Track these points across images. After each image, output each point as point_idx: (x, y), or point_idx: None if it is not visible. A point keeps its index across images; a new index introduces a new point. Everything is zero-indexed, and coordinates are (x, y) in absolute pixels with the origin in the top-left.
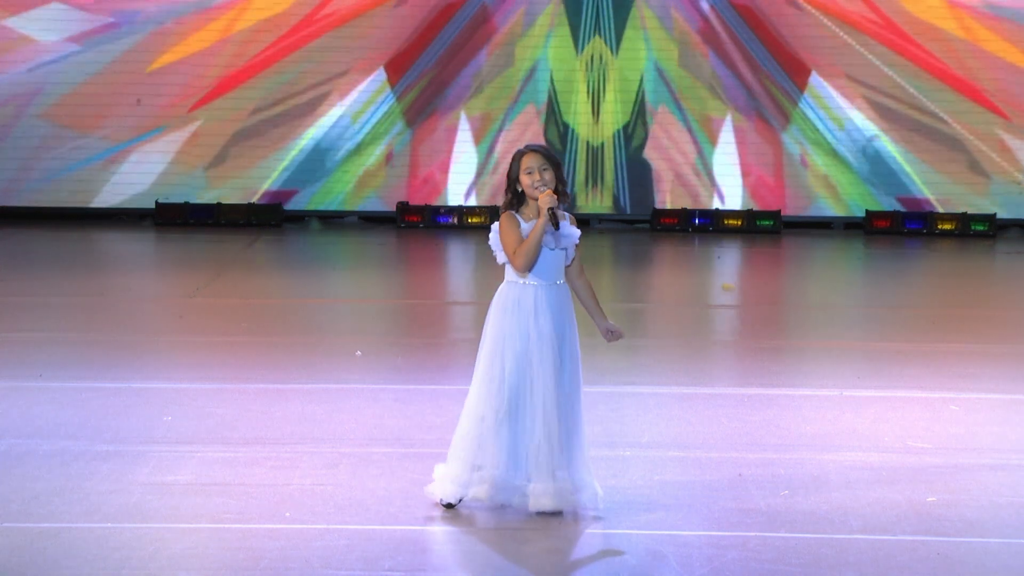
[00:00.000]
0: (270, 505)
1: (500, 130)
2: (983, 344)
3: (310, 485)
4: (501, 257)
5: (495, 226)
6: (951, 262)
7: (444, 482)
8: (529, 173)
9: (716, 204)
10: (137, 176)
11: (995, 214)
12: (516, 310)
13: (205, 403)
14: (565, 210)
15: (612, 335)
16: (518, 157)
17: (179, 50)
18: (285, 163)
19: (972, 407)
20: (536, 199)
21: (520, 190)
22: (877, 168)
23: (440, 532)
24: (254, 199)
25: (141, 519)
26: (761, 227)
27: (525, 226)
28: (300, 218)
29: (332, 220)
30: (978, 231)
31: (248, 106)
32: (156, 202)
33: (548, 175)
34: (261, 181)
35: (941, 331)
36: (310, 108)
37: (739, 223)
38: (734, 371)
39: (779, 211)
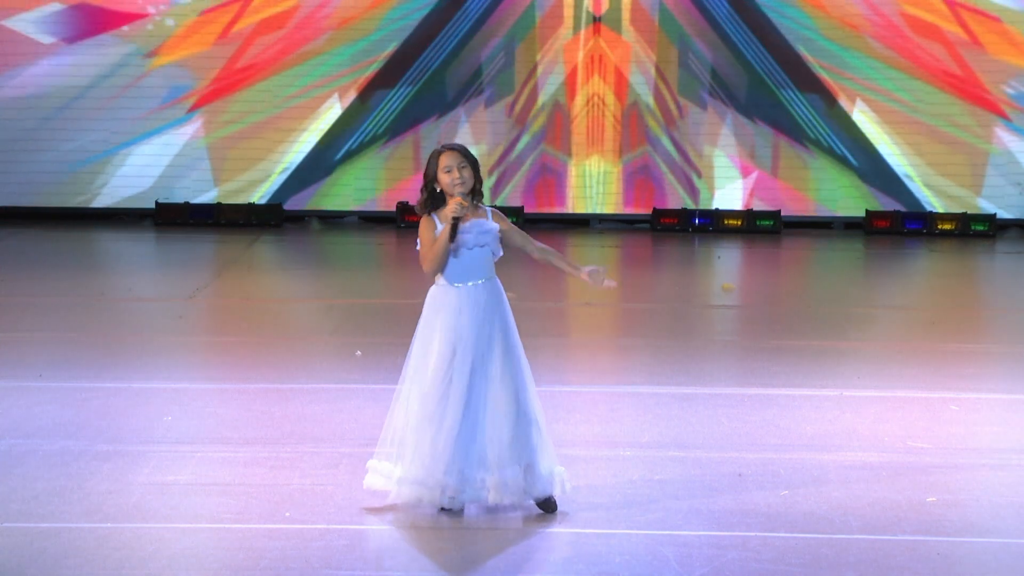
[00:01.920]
0: (270, 505)
1: (500, 130)
2: (983, 344)
3: (310, 485)
4: None
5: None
6: (951, 262)
7: (382, 478)
8: (448, 171)
9: (716, 204)
10: (137, 176)
11: (995, 214)
12: (441, 311)
13: (205, 403)
14: (484, 205)
15: (597, 276)
16: (435, 156)
17: (179, 50)
18: (285, 163)
19: (972, 407)
20: (448, 202)
21: (439, 190)
22: (877, 168)
23: (439, 533)
24: (254, 199)
25: (141, 519)
26: (761, 227)
27: (440, 228)
28: (300, 218)
29: (332, 220)
30: (978, 231)
31: (248, 106)
32: (156, 202)
33: (466, 172)
34: (261, 181)
35: (941, 331)
36: (310, 108)
37: (739, 223)
38: (734, 371)
39: (779, 211)
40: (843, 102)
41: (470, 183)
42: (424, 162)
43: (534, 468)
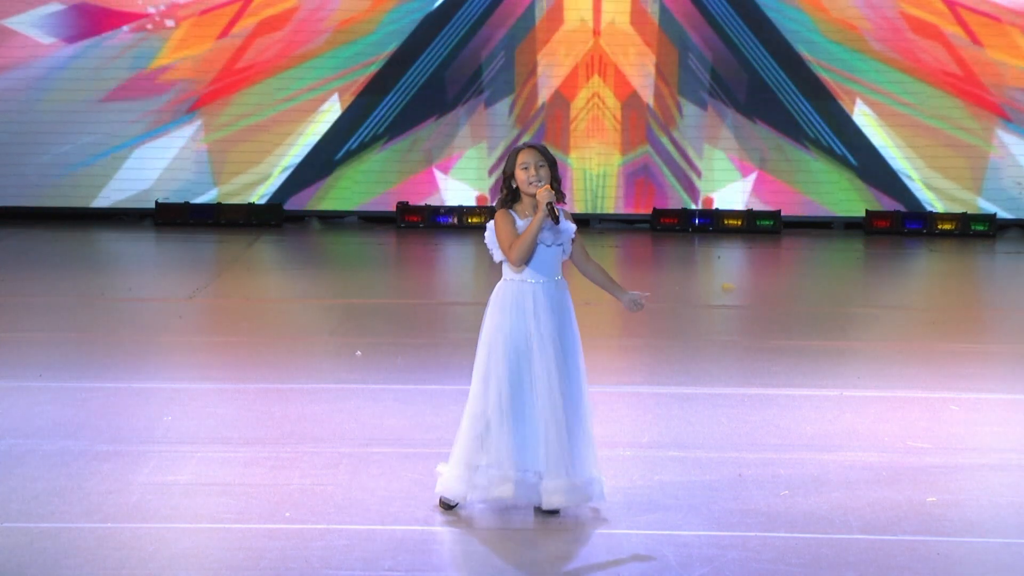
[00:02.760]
0: (270, 505)
1: (500, 130)
2: (983, 344)
3: (310, 485)
4: (498, 255)
5: (490, 224)
6: (951, 262)
7: (448, 481)
8: (525, 169)
9: (717, 204)
10: (137, 176)
11: (995, 214)
12: (514, 308)
13: (205, 403)
14: (563, 207)
15: (635, 305)
16: (514, 154)
17: (179, 50)
18: (285, 163)
19: (972, 407)
20: (532, 195)
21: (515, 187)
22: (877, 168)
23: (440, 532)
24: (254, 199)
25: (141, 519)
26: (761, 227)
27: (521, 223)
28: (300, 218)
29: (332, 220)
30: (978, 231)
31: (249, 106)
32: (156, 202)
33: (544, 171)
34: (261, 181)
35: (941, 331)
36: (310, 108)
37: (739, 223)
38: (734, 371)
39: (779, 211)
40: (843, 102)
41: (547, 180)
42: (424, 162)
43: (586, 473)
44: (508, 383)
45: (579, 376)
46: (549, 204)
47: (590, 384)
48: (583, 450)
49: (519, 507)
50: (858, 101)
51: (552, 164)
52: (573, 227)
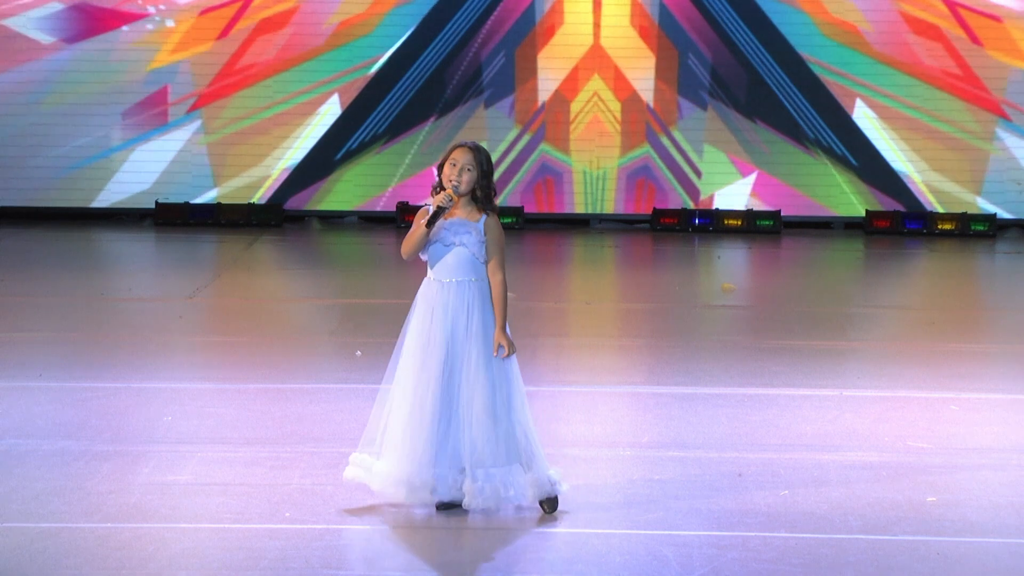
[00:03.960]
0: (270, 505)
1: (500, 130)
2: (983, 344)
3: (310, 485)
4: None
5: None
6: (951, 262)
7: (366, 472)
8: (453, 165)
9: (716, 204)
10: (137, 176)
11: (995, 214)
12: (419, 305)
13: (205, 403)
14: (486, 211)
15: (499, 349)
16: (452, 147)
17: (179, 50)
18: (285, 163)
19: (972, 407)
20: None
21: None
22: (877, 168)
23: (440, 533)
24: (254, 199)
25: (141, 519)
26: (761, 227)
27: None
28: (300, 218)
29: (332, 220)
30: (978, 231)
31: (248, 106)
32: (156, 202)
33: (467, 176)
34: (261, 181)
35: (941, 331)
36: (310, 108)
37: (739, 223)
38: (734, 371)
39: (779, 211)
40: (843, 102)
41: (464, 188)
42: (424, 162)
43: (530, 470)
44: (413, 381)
45: (499, 378)
46: (438, 208)
47: (589, 385)
48: (498, 447)
49: (421, 506)
50: (858, 101)
51: (484, 172)
52: (480, 230)
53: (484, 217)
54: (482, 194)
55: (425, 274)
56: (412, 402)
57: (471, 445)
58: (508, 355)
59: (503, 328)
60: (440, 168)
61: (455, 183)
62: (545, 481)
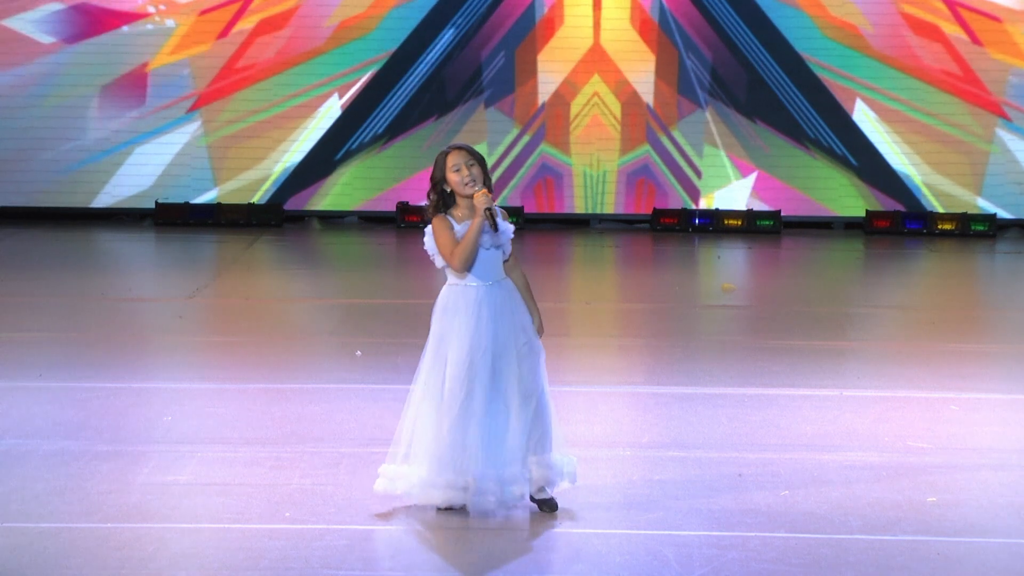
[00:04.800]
0: (270, 505)
1: (500, 130)
2: (983, 344)
3: (310, 485)
4: (439, 261)
5: (428, 230)
6: (951, 262)
7: (398, 480)
8: (457, 171)
9: (716, 204)
10: (137, 176)
11: (995, 214)
12: (457, 311)
13: (205, 403)
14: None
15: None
16: (442, 156)
17: (179, 50)
18: (285, 163)
19: (972, 407)
20: (468, 196)
21: (448, 190)
22: (877, 168)
23: (439, 533)
24: (254, 199)
25: (141, 519)
26: (761, 227)
27: (459, 228)
28: (300, 218)
29: (332, 220)
30: (978, 231)
31: (248, 106)
32: (156, 202)
33: (476, 170)
34: (261, 181)
35: (941, 331)
36: (310, 108)
37: (739, 223)
38: (734, 371)
39: (779, 211)
40: (843, 102)
41: (480, 180)
42: (424, 162)
43: (549, 459)
44: (461, 387)
45: (535, 374)
46: (488, 210)
47: (591, 384)
48: (543, 445)
49: (468, 508)
50: (858, 101)
51: (482, 163)
52: (511, 228)
53: (498, 211)
54: (490, 183)
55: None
56: (460, 406)
57: (534, 438)
58: (541, 334)
59: (539, 315)
60: (438, 183)
61: (471, 182)
62: (554, 470)
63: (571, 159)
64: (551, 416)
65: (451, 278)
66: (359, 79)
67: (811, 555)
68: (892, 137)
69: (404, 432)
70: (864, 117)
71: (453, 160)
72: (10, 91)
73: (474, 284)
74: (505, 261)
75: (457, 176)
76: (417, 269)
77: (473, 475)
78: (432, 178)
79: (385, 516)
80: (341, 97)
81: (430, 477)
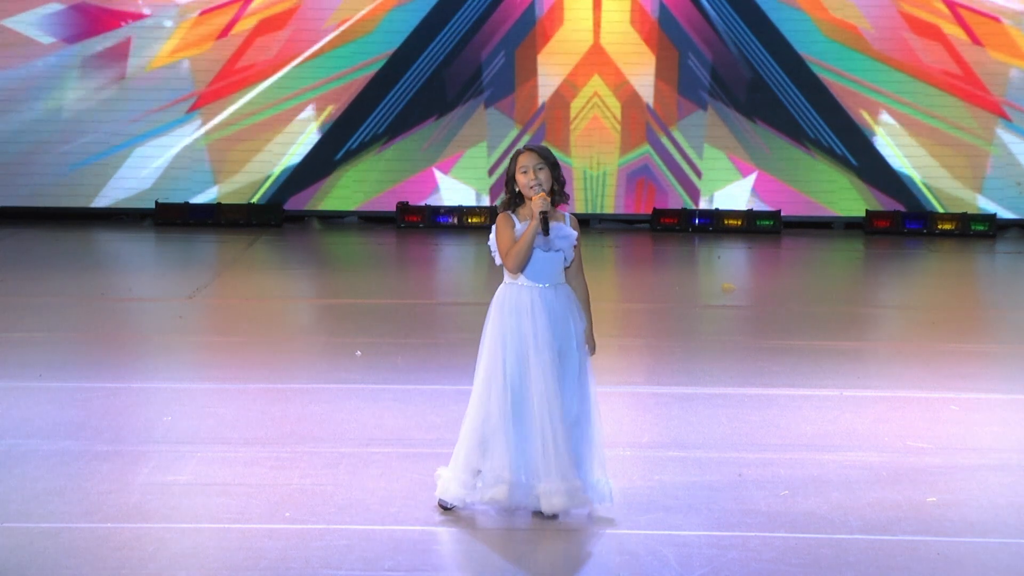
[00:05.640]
0: (270, 505)
1: (501, 129)
2: (983, 344)
3: (310, 485)
4: (498, 259)
5: (494, 227)
6: (951, 262)
7: (448, 484)
8: (524, 172)
9: (716, 204)
10: (137, 176)
11: (995, 214)
12: (512, 312)
13: (205, 403)
14: (564, 210)
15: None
16: (515, 156)
17: (179, 50)
18: (285, 163)
19: (972, 407)
20: (531, 199)
21: (517, 190)
22: (877, 168)
23: (440, 533)
24: (254, 199)
25: (141, 519)
26: (761, 227)
27: (519, 227)
28: (300, 218)
29: (332, 220)
30: (978, 231)
31: (248, 106)
32: (156, 202)
33: (543, 174)
34: (261, 181)
35: (941, 331)
36: (311, 107)
37: (739, 223)
38: (734, 371)
39: (779, 211)
40: (843, 102)
41: (547, 184)
42: (424, 162)
43: (586, 477)
44: (506, 387)
45: (584, 381)
46: (543, 214)
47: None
48: (585, 455)
49: (519, 510)
50: (858, 101)
51: (553, 166)
52: (574, 233)
53: (568, 218)
54: (558, 187)
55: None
56: (512, 407)
57: (554, 449)
58: (593, 353)
59: (591, 328)
60: (509, 181)
61: (536, 185)
62: (608, 485)
63: (571, 159)
64: (596, 433)
65: (507, 277)
66: (360, 79)
67: (811, 555)
68: (892, 136)
69: (472, 432)
70: (864, 116)
71: (523, 161)
72: (10, 91)
73: (527, 285)
74: (567, 268)
75: (524, 178)
76: (417, 269)
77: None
78: (506, 174)
79: (376, 514)
80: (341, 97)
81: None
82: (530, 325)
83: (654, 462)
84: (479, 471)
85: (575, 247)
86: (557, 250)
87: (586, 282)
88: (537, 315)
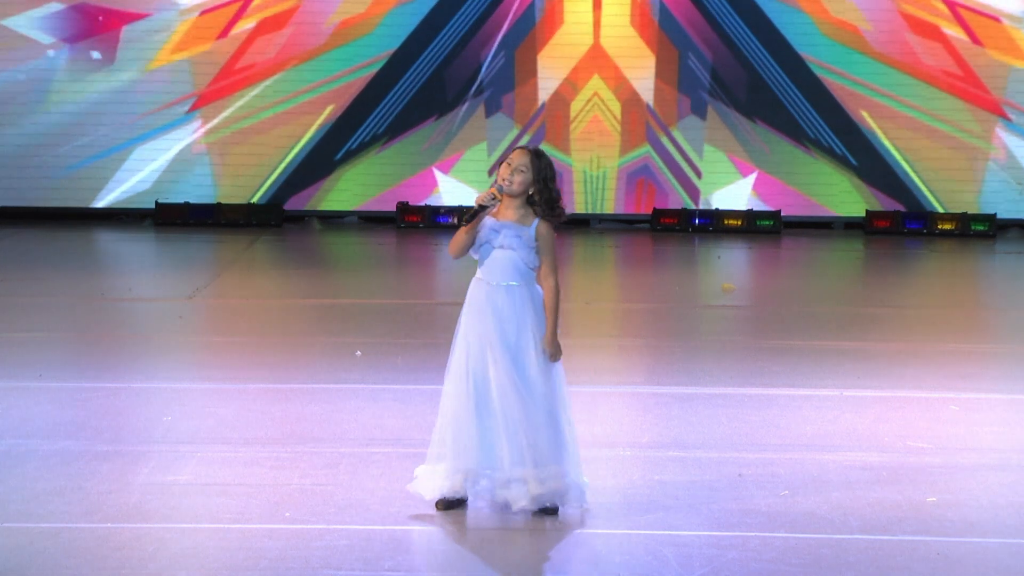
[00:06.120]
0: (270, 505)
1: (501, 129)
2: (983, 344)
3: (310, 485)
4: None
5: None
6: (951, 262)
7: (424, 479)
8: (508, 164)
9: (716, 204)
10: (137, 176)
11: (995, 214)
12: (471, 306)
13: (205, 403)
14: (548, 215)
15: (545, 352)
16: (512, 148)
17: (179, 50)
18: (285, 163)
19: (972, 407)
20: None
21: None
22: (877, 168)
23: (440, 533)
24: (254, 199)
25: (141, 519)
26: (761, 227)
27: (488, 220)
28: (300, 218)
29: (332, 220)
30: (978, 231)
31: (248, 106)
32: (156, 202)
33: (519, 177)
34: (261, 181)
35: (941, 331)
36: (311, 108)
37: (739, 223)
38: (734, 371)
39: (779, 211)
40: (842, 101)
41: (516, 188)
42: (424, 162)
43: (558, 476)
44: (466, 381)
45: (549, 380)
46: (480, 206)
47: (590, 385)
48: (548, 452)
49: (490, 502)
50: (858, 101)
51: (538, 175)
52: (530, 235)
53: (536, 222)
54: (540, 199)
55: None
56: (460, 401)
57: (530, 447)
58: (554, 360)
59: (553, 333)
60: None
61: (507, 182)
62: (575, 487)
63: (571, 159)
64: (564, 432)
65: (478, 271)
66: (359, 79)
67: (811, 555)
68: (892, 137)
69: (438, 429)
70: (864, 116)
71: (513, 156)
72: (10, 91)
73: (482, 280)
74: (536, 269)
75: (503, 170)
76: (417, 269)
77: (467, 469)
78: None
79: (376, 513)
80: (341, 97)
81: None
82: (480, 322)
83: (654, 462)
84: (447, 460)
85: (544, 252)
86: (511, 248)
87: (556, 288)
88: (486, 312)
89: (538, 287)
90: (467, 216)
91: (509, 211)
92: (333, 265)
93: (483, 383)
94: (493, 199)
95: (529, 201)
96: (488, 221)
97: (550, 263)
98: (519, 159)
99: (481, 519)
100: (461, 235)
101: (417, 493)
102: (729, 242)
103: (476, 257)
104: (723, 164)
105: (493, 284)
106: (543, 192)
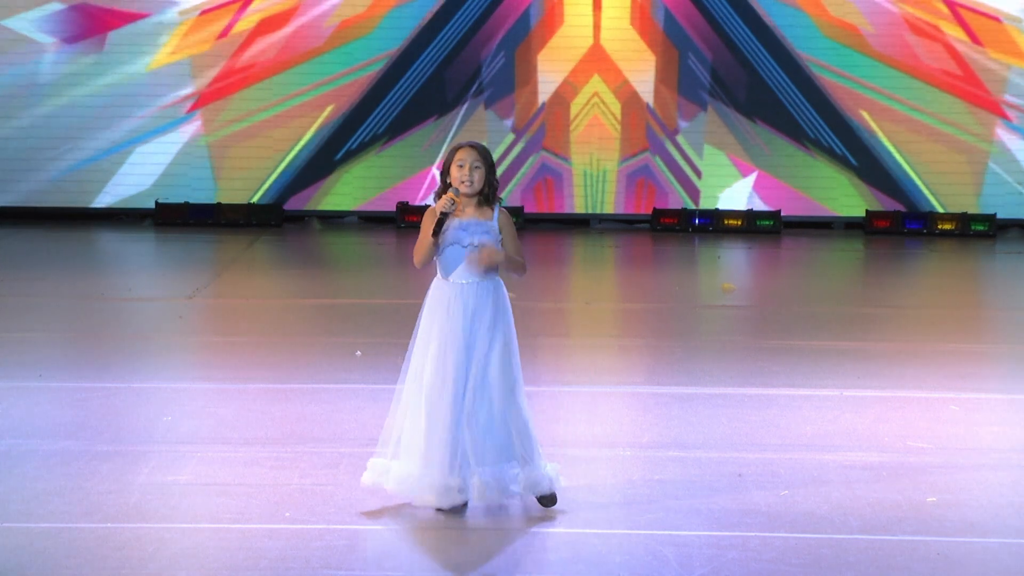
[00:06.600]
0: (270, 505)
1: (500, 130)
2: (983, 344)
3: (310, 485)
4: None
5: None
6: (951, 262)
7: (396, 480)
8: (460, 167)
9: (716, 204)
10: (137, 176)
11: (995, 214)
12: (435, 306)
13: (205, 403)
14: (495, 206)
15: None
16: (453, 150)
17: (179, 50)
18: (285, 163)
19: (972, 407)
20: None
21: (449, 182)
22: (877, 168)
23: (439, 533)
24: (254, 199)
25: (141, 519)
26: (761, 227)
27: (451, 222)
28: (300, 218)
29: (332, 220)
30: (978, 231)
31: (248, 106)
32: (156, 202)
33: (478, 174)
34: (261, 181)
35: (941, 331)
36: (311, 108)
37: (739, 223)
38: (734, 371)
39: (779, 211)
40: (843, 102)
41: (477, 185)
42: (424, 162)
43: (529, 466)
44: (442, 385)
45: (509, 376)
46: (442, 214)
47: (589, 385)
48: (512, 448)
49: (456, 502)
50: (858, 101)
51: (490, 168)
52: (495, 227)
53: (496, 212)
54: (489, 190)
55: (435, 275)
56: (436, 405)
57: (480, 442)
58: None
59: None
60: (444, 173)
61: (468, 182)
62: (543, 477)
63: (571, 159)
64: (529, 426)
65: (439, 272)
66: (359, 79)
67: (811, 555)
68: (892, 137)
69: (394, 428)
70: (864, 117)
71: (461, 155)
72: (10, 91)
73: (451, 281)
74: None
75: (458, 172)
76: (416, 269)
77: (465, 475)
78: (442, 167)
79: (377, 513)
80: (341, 98)
81: (421, 476)
82: (449, 320)
83: (654, 462)
84: (390, 465)
85: (509, 236)
86: (475, 247)
87: (525, 266)
88: (454, 312)
89: (502, 281)
90: (435, 227)
91: (469, 208)
92: (333, 265)
93: (459, 384)
94: (452, 204)
95: (480, 194)
96: (451, 223)
97: (516, 246)
98: (470, 157)
99: (480, 520)
100: (426, 244)
101: (369, 486)
102: (729, 242)
103: (439, 261)
104: (723, 164)
105: (464, 283)
106: (491, 184)
